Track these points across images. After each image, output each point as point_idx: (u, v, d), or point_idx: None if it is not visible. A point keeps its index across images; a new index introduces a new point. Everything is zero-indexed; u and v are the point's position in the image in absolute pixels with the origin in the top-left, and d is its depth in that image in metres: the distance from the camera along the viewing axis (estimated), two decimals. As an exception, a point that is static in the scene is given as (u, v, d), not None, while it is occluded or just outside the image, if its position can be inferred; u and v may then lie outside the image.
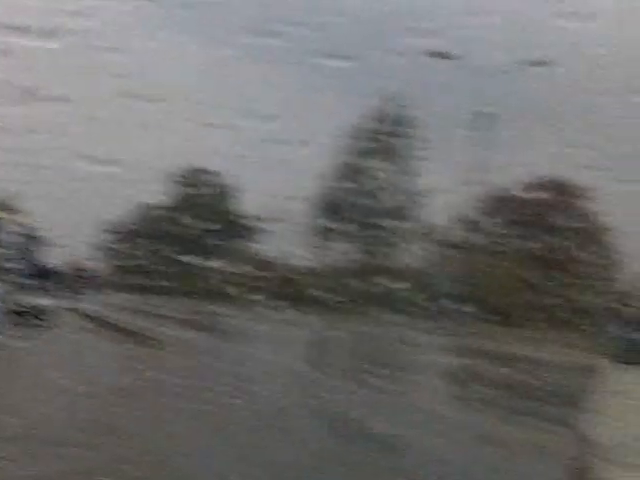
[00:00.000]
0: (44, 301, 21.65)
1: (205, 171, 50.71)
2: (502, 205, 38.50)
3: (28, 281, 22.30)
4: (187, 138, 35.91)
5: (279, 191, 37.44)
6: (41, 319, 20.43)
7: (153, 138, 35.38)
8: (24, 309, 20.23)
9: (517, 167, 35.71)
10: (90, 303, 30.16)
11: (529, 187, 37.90)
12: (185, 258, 34.04)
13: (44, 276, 24.94)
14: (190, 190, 49.14)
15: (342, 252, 45.33)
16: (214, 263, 37.47)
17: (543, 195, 36.89)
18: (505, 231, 37.83)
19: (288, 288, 34.80)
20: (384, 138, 43.90)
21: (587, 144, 35.51)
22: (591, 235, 37.58)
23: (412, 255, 43.40)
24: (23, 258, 24.90)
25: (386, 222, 42.89)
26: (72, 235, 35.97)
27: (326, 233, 44.88)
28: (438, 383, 14.03)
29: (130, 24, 35.36)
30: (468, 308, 31.28)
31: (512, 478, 7.38)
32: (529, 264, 35.16)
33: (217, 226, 39.79)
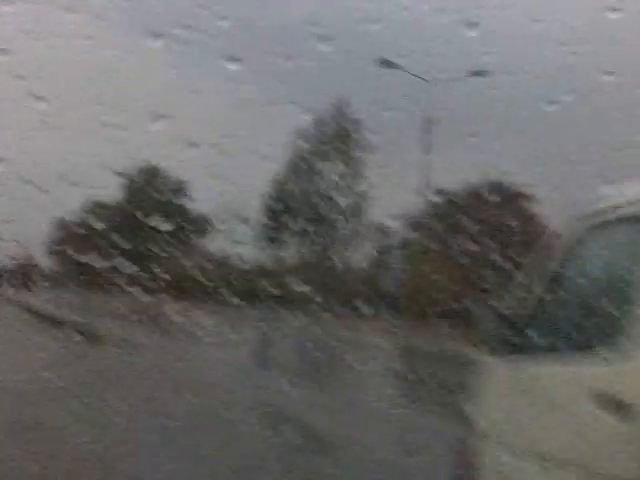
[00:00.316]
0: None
1: (156, 170, 50.85)
2: (446, 207, 39.33)
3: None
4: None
5: (230, 191, 37.82)
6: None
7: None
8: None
9: (460, 171, 36.68)
10: (37, 299, 30.08)
11: (472, 190, 38.86)
12: (136, 255, 34.12)
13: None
14: (142, 188, 49.20)
15: (292, 251, 45.86)
16: (165, 260, 37.61)
17: (485, 197, 37.82)
18: (448, 232, 38.59)
19: (239, 285, 35.12)
20: (332, 141, 44.49)
21: (529, 149, 36.72)
22: (531, 237, 38.48)
23: (359, 255, 44.07)
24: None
25: (333, 222, 43.49)
26: (22, 232, 35.85)
27: (275, 232, 45.36)
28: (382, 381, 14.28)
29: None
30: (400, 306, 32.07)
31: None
32: (468, 265, 35.92)
33: (169, 224, 39.93)
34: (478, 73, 32.92)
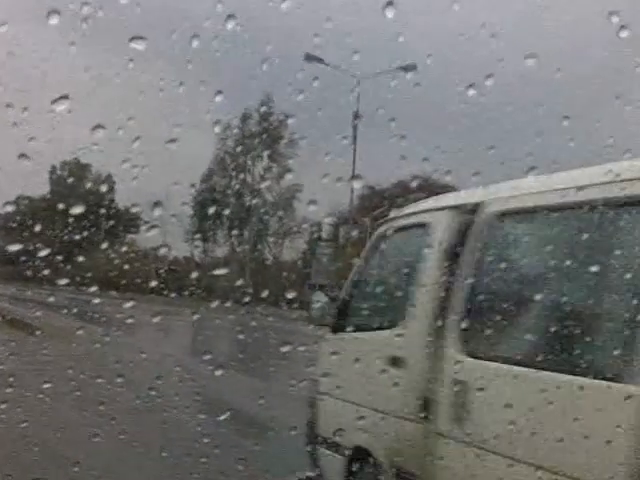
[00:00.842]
0: None
1: (85, 164, 50.38)
2: (374, 200, 40.01)
3: None
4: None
5: (158, 186, 37.76)
6: None
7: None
8: None
9: (388, 165, 37.45)
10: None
11: (399, 183, 39.66)
12: (65, 248, 33.89)
13: None
14: (70, 182, 48.65)
15: (222, 244, 46.06)
16: (95, 253, 37.40)
17: (412, 190, 38.60)
18: (374, 226, 39.44)
19: (169, 278, 35.21)
20: (258, 135, 44.80)
21: (457, 142, 37.72)
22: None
23: (289, 248, 44.55)
24: None
25: (262, 216, 43.83)
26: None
27: (204, 226, 45.42)
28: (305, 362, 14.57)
29: None
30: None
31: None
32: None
33: (98, 217, 39.69)
34: (406, 68, 33.54)
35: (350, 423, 4.97)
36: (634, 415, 3.08)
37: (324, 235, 41.93)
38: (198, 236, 46.44)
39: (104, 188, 49.29)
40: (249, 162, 45.93)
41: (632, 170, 3.42)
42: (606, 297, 3.48)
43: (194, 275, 34.85)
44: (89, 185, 48.62)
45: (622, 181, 3.38)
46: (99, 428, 7.14)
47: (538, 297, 3.78)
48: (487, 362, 3.91)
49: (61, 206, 37.86)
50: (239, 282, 37.53)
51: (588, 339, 3.50)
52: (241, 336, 18.42)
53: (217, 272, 34.21)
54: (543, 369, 3.55)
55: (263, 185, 45.71)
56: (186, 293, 30.81)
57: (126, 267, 33.66)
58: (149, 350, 15.32)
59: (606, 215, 3.45)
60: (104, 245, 41.09)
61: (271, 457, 7.41)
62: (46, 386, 8.08)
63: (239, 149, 45.65)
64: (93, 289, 11.06)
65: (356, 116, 35.66)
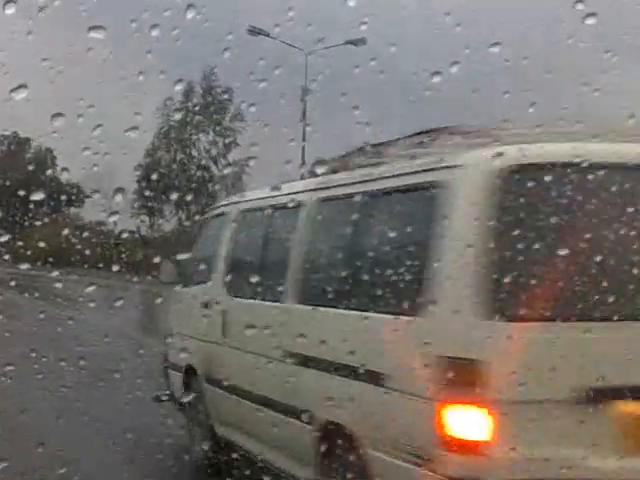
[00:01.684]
0: None
1: (22, 140, 49.33)
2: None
3: None
4: None
5: (102, 161, 37.19)
6: None
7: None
8: None
9: (336, 140, 37.34)
10: None
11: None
12: (8, 225, 33.31)
13: None
14: (8, 158, 47.64)
15: (170, 221, 45.71)
16: (39, 229, 36.78)
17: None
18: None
19: (117, 254, 34.79)
20: (203, 110, 44.41)
21: (410, 120, 37.86)
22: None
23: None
24: None
25: (211, 192, 43.57)
26: None
27: (152, 202, 45.01)
28: None
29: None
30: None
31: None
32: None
33: (39, 193, 38.95)
34: (354, 42, 33.44)
35: (183, 349, 7.05)
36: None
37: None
38: (144, 211, 45.99)
39: (46, 164, 48.60)
40: (194, 136, 45.54)
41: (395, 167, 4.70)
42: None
43: (143, 251, 34.51)
44: (30, 160, 47.68)
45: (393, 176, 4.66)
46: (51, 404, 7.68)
47: (290, 253, 5.54)
48: (241, 299, 6.21)
49: (4, 183, 37.24)
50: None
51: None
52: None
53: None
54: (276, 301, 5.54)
55: (210, 160, 45.32)
56: (135, 269, 30.55)
57: (68, 242, 33.16)
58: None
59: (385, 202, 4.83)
60: (46, 219, 40.47)
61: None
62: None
63: (184, 124, 45.14)
64: (39, 264, 10.90)
65: (305, 91, 35.54)
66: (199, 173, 44.66)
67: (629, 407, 3.84)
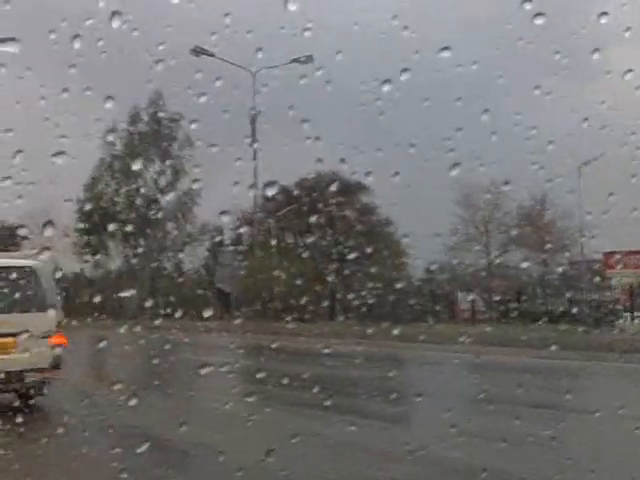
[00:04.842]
0: None
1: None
2: (279, 200, 39.94)
3: None
4: None
5: (44, 199, 36.81)
6: None
7: None
8: None
9: (291, 164, 37.39)
10: None
11: (304, 181, 39.76)
12: None
13: None
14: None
15: (115, 257, 45.14)
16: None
17: (321, 189, 38.82)
18: (282, 226, 39.43)
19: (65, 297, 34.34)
20: (148, 137, 44.04)
21: (363, 136, 37.99)
22: (372, 230, 39.99)
23: (190, 256, 44.03)
24: None
25: (159, 224, 43.13)
26: None
27: (94, 239, 44.39)
28: (228, 383, 14.50)
29: None
30: (247, 307, 32.66)
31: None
32: (311, 258, 36.98)
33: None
34: (301, 60, 33.74)
35: None
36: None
37: (227, 239, 41.73)
38: (87, 250, 45.31)
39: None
40: (139, 166, 44.93)
41: None
42: None
43: (88, 291, 34.16)
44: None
45: None
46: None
47: None
48: None
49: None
50: (135, 295, 37.14)
51: None
52: (156, 354, 18.13)
53: (123, 294, 33.71)
54: None
55: (156, 190, 44.93)
56: (83, 311, 30.20)
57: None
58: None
59: None
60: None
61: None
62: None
63: (127, 152, 44.60)
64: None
65: (254, 113, 35.62)
66: (146, 206, 44.12)
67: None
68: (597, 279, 31.41)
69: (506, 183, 38.88)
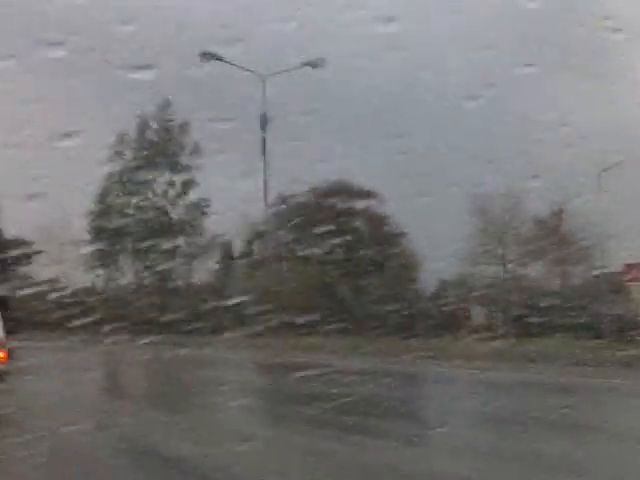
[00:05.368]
0: None
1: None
2: (289, 211, 39.71)
3: None
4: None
5: (55, 213, 36.85)
6: None
7: None
8: None
9: (301, 171, 37.13)
10: None
11: (315, 191, 39.49)
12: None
13: None
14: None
15: (127, 271, 44.95)
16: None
17: (333, 199, 38.56)
18: (296, 238, 39.14)
19: (72, 312, 34.30)
20: (156, 147, 43.82)
21: (371, 146, 37.79)
22: (385, 238, 39.65)
23: (200, 269, 43.78)
24: None
25: (169, 236, 42.89)
26: None
27: (105, 253, 44.22)
28: (243, 401, 14.34)
29: None
30: (264, 319, 32.34)
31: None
32: (324, 270, 36.68)
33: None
34: (312, 64, 33.48)
35: None
36: None
37: (236, 252, 41.48)
38: (98, 263, 45.18)
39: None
40: (149, 177, 44.78)
41: None
42: None
43: (99, 306, 34.02)
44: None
45: None
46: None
47: None
48: None
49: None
50: (154, 312, 36.96)
51: None
52: (165, 368, 17.91)
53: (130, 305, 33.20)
54: None
55: (166, 201, 44.71)
56: (93, 327, 30.08)
57: (23, 305, 32.70)
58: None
59: None
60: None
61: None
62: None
63: (137, 163, 44.45)
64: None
65: (264, 120, 35.30)
66: (155, 218, 43.91)
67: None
68: (617, 291, 31.04)
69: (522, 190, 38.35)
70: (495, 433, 10.66)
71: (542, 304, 29.29)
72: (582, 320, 28.22)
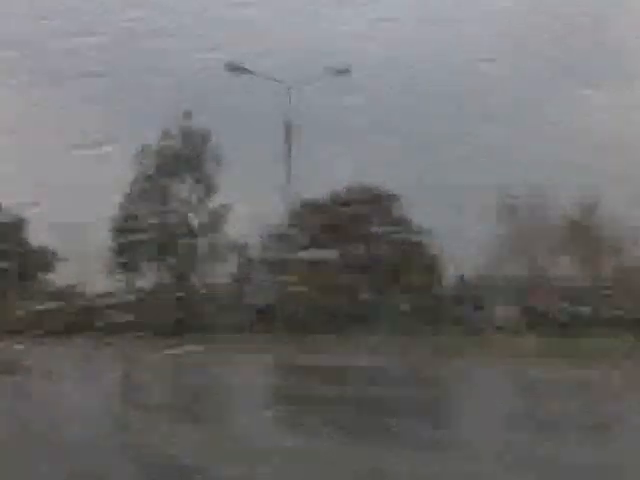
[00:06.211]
0: None
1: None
2: (313, 215, 39.69)
3: None
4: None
5: (74, 219, 37.11)
6: None
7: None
8: None
9: (325, 177, 37.16)
10: None
11: (337, 196, 39.52)
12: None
13: None
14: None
15: (148, 276, 45.09)
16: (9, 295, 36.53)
17: (354, 203, 38.48)
18: (318, 241, 39.05)
19: (89, 318, 34.46)
20: (179, 155, 44.10)
21: (392, 150, 37.81)
22: (406, 240, 39.51)
23: (221, 273, 43.80)
24: None
25: (189, 242, 43.02)
26: None
27: (127, 258, 44.41)
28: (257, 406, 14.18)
29: None
30: (281, 323, 32.35)
31: None
32: (345, 273, 36.58)
33: (6, 261, 38.74)
34: (338, 72, 33.49)
35: None
36: None
37: (258, 256, 41.47)
38: (120, 269, 45.38)
39: (15, 228, 48.08)
40: (170, 185, 45.09)
41: None
42: None
43: (120, 311, 34.07)
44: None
45: None
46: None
47: None
48: None
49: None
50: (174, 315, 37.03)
51: None
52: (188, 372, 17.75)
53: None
54: None
55: (187, 208, 44.89)
56: (113, 332, 30.11)
57: (37, 310, 32.93)
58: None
59: None
60: (17, 289, 40.12)
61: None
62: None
63: (160, 171, 44.75)
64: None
65: (289, 127, 35.29)
66: (176, 224, 44.11)
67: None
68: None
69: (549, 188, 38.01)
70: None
71: (571, 301, 28.96)
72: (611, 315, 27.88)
